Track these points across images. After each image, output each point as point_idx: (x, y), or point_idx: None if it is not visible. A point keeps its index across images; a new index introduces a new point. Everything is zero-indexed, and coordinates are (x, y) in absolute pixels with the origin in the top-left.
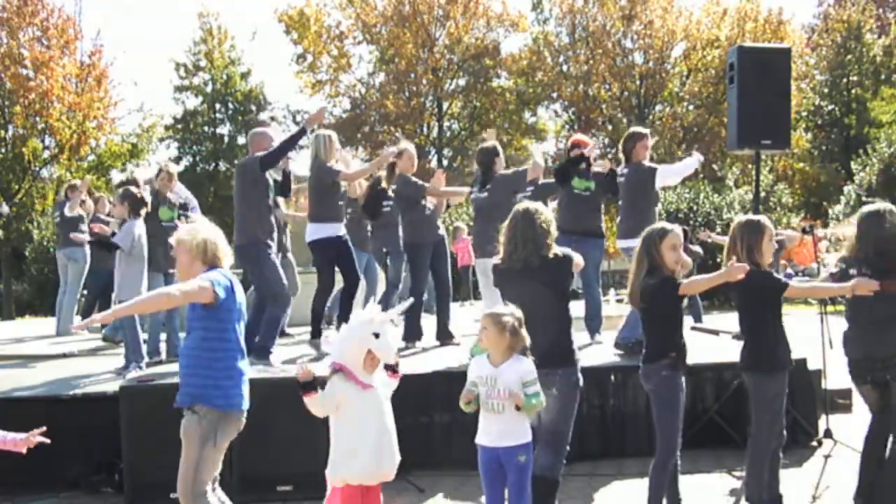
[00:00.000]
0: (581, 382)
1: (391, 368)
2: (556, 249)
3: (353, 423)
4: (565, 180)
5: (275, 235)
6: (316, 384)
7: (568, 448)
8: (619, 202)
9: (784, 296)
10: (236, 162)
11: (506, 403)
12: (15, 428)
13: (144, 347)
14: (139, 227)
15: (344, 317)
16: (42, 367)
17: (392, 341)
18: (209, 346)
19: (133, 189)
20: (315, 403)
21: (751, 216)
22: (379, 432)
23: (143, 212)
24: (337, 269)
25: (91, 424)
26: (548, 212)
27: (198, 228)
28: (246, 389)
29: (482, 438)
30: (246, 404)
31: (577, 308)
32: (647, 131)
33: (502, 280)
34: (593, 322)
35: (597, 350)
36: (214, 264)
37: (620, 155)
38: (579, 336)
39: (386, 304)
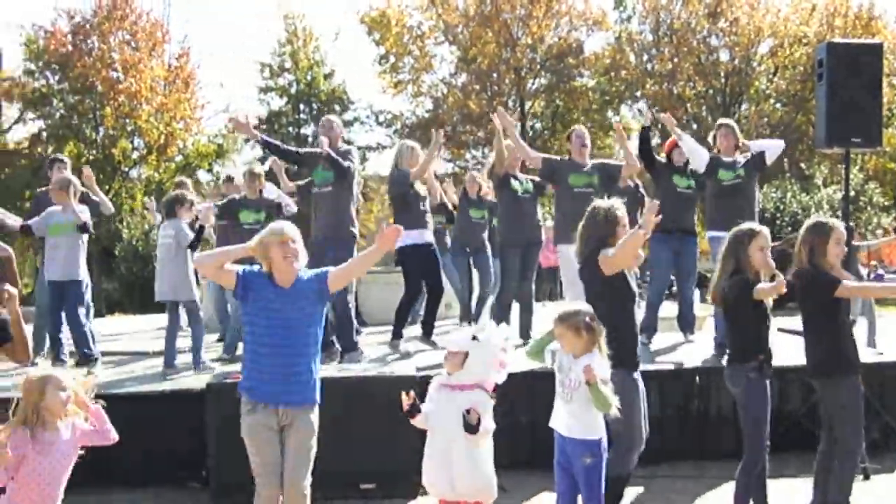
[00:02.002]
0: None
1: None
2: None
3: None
4: (652, 172)
5: None
6: (419, 406)
7: (642, 445)
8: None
9: (838, 295)
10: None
11: (574, 394)
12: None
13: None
14: (174, 227)
15: (428, 322)
16: (132, 364)
17: None
18: (317, 340)
19: (181, 191)
20: (423, 423)
21: (819, 218)
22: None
23: (180, 212)
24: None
25: (179, 420)
26: (612, 207)
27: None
28: None
29: (554, 422)
30: None
31: (670, 308)
32: (732, 122)
33: (579, 276)
34: (685, 321)
35: (686, 350)
36: None
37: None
38: (673, 336)
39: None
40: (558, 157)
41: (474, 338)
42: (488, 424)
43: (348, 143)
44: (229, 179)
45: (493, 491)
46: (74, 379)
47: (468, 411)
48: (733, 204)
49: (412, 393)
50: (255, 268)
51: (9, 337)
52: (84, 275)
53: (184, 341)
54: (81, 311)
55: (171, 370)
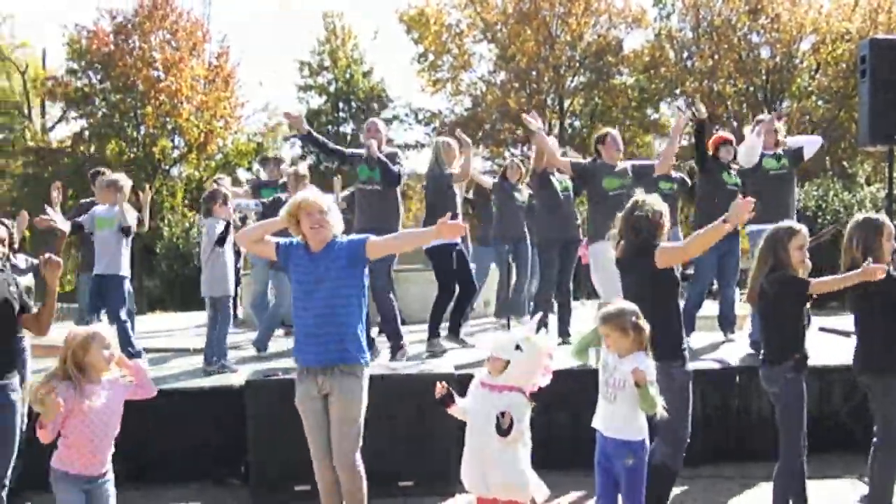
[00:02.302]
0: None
1: None
2: (664, 242)
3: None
4: (705, 168)
5: None
6: (453, 395)
7: (688, 440)
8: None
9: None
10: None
11: (618, 393)
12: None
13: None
14: (208, 224)
15: (456, 320)
16: (173, 361)
17: None
18: (357, 302)
19: (214, 188)
20: (460, 414)
21: (868, 214)
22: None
23: (214, 209)
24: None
25: (218, 417)
26: (656, 203)
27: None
28: None
29: (596, 421)
30: None
31: (710, 307)
32: (769, 118)
33: (620, 271)
34: (726, 320)
35: (726, 350)
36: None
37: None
38: (713, 335)
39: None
40: (588, 161)
41: (518, 347)
42: (522, 428)
43: (389, 141)
44: (277, 162)
45: (528, 490)
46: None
47: (502, 414)
48: (778, 194)
49: (444, 383)
50: (294, 239)
51: (28, 307)
52: (125, 270)
53: (232, 338)
54: (123, 308)
55: (211, 366)
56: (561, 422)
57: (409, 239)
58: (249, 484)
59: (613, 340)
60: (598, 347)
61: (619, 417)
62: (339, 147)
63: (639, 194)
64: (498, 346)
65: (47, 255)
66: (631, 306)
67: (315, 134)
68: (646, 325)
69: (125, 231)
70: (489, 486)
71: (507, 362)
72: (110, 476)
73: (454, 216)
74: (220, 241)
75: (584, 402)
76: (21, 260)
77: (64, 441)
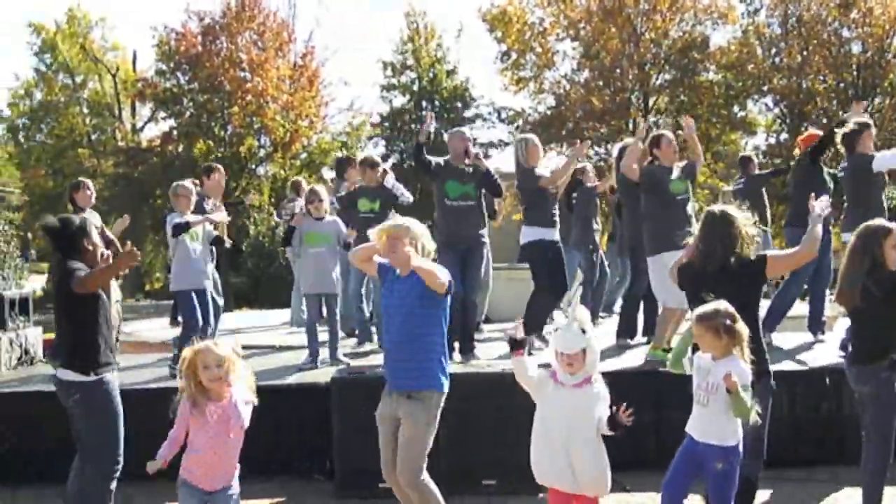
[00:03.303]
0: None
1: None
2: (751, 254)
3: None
4: (814, 161)
5: None
6: (527, 344)
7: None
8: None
9: None
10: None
11: (711, 397)
12: None
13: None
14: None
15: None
16: (259, 358)
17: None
18: (431, 332)
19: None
20: (523, 373)
21: None
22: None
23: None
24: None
25: (304, 413)
26: (744, 214)
27: (416, 223)
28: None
29: (689, 427)
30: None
31: (799, 307)
32: (870, 122)
33: (692, 281)
34: (816, 321)
35: (817, 350)
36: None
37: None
38: (803, 336)
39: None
40: (652, 166)
41: (583, 331)
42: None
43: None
44: (349, 161)
45: (609, 483)
46: (233, 350)
47: (614, 410)
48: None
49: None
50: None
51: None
52: (207, 284)
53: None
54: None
55: (311, 362)
56: (645, 421)
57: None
58: (333, 480)
59: (706, 341)
60: (691, 359)
61: (713, 422)
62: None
63: (714, 206)
64: (566, 342)
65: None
66: (726, 307)
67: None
68: (741, 329)
69: (217, 241)
70: (579, 483)
71: (584, 350)
72: (233, 492)
73: (551, 216)
74: (287, 241)
75: (667, 402)
76: None
77: (187, 451)
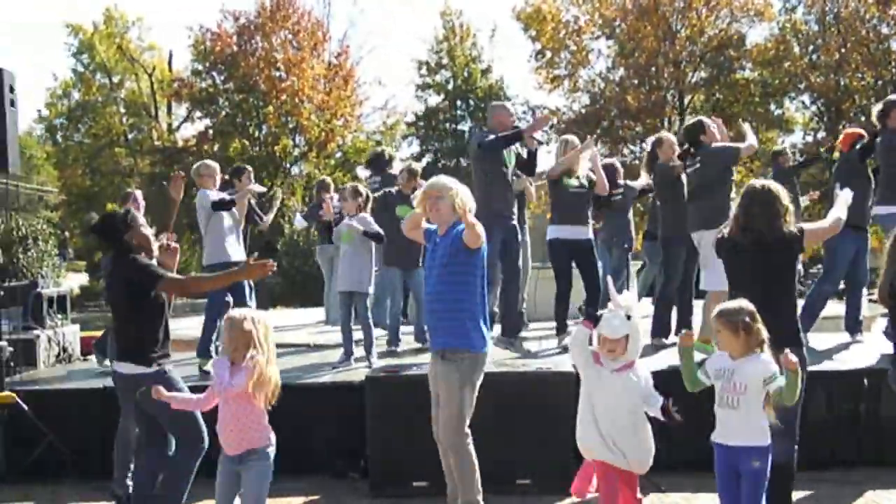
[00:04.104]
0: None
1: None
2: (791, 227)
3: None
4: (863, 161)
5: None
6: (599, 319)
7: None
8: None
9: None
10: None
11: (741, 398)
12: (269, 414)
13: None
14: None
15: (593, 313)
16: (294, 357)
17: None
18: (464, 290)
19: (360, 187)
20: (584, 336)
21: None
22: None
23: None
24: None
25: (338, 412)
26: (783, 190)
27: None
28: (486, 334)
29: (717, 436)
30: (488, 347)
31: (835, 307)
32: None
33: (729, 254)
34: (854, 322)
35: (854, 351)
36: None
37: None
38: (840, 336)
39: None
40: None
41: (628, 317)
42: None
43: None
44: (412, 173)
45: (650, 461)
46: (258, 321)
47: (667, 406)
48: None
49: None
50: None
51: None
52: (240, 258)
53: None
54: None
55: (345, 361)
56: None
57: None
58: (368, 478)
59: (724, 338)
60: (704, 370)
61: (744, 422)
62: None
63: (754, 181)
64: (611, 327)
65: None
66: (748, 307)
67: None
68: (761, 329)
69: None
70: (629, 462)
71: (628, 336)
72: (260, 458)
73: (572, 211)
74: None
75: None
76: None
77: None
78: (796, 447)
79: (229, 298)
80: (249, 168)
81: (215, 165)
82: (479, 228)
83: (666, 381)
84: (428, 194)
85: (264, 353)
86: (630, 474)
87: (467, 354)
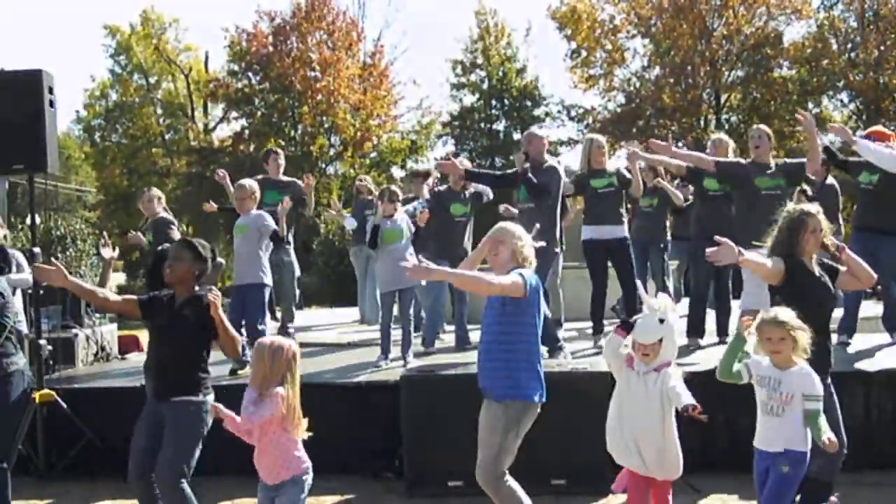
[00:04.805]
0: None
1: None
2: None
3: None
4: None
5: None
6: (632, 326)
7: (845, 451)
8: None
9: None
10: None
11: (786, 408)
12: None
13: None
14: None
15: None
16: (330, 355)
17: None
18: (515, 337)
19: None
20: (618, 343)
21: None
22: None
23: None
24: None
25: (374, 412)
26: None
27: (521, 231)
28: (542, 381)
29: (758, 441)
30: (543, 397)
31: (871, 307)
32: None
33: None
34: (891, 321)
35: (891, 351)
36: (523, 265)
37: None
38: (878, 337)
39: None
40: (736, 160)
41: (662, 321)
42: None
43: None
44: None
45: (680, 468)
46: (286, 351)
47: (688, 410)
48: None
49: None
50: None
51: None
52: (266, 278)
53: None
54: (261, 315)
55: (383, 360)
56: (719, 422)
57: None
58: (403, 478)
59: (769, 347)
60: (746, 362)
61: (786, 429)
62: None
63: (789, 205)
64: (644, 332)
65: (209, 289)
66: (793, 315)
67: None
68: (803, 339)
69: (275, 236)
70: (648, 466)
71: (661, 340)
72: (295, 483)
73: (605, 210)
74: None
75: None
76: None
77: None
78: (840, 461)
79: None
80: (278, 151)
81: (251, 184)
82: (514, 278)
83: (701, 381)
84: (493, 239)
85: (291, 384)
86: (658, 482)
87: (516, 402)
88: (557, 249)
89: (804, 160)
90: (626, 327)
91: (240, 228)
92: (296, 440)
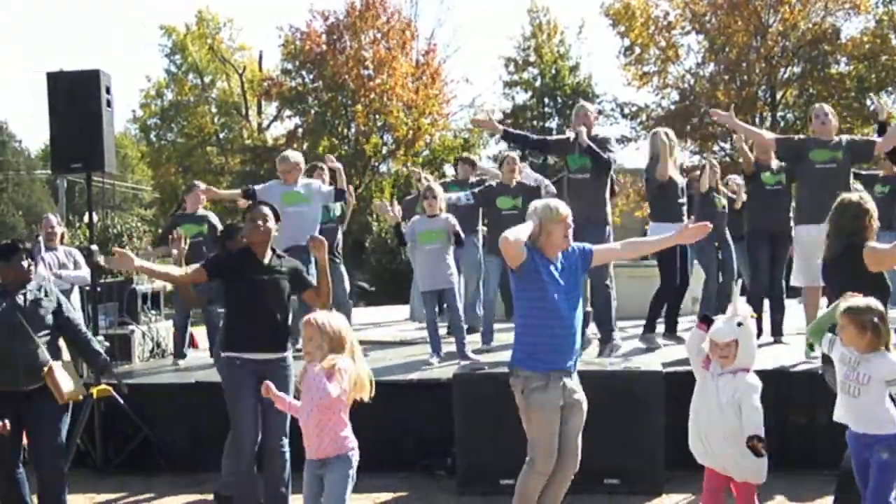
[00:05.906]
0: None
1: None
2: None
3: None
4: None
5: None
6: (712, 321)
7: None
8: None
9: None
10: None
11: (862, 388)
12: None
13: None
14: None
15: (670, 315)
16: (382, 353)
17: None
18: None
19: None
20: (699, 339)
21: None
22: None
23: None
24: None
25: (427, 409)
26: (867, 203)
27: None
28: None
29: (840, 415)
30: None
31: None
32: None
33: (824, 265)
34: None
35: None
36: None
37: None
38: None
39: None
40: (797, 136)
41: (739, 324)
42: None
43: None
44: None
45: (763, 473)
46: (332, 326)
47: (753, 441)
48: None
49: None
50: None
51: (308, 284)
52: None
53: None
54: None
55: (436, 358)
56: (801, 423)
57: (639, 247)
58: (455, 476)
59: (849, 334)
60: (831, 340)
61: (866, 411)
62: (540, 137)
63: (846, 193)
64: (719, 332)
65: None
66: (877, 305)
67: (511, 130)
68: (887, 330)
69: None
70: (741, 470)
71: (736, 341)
72: (342, 460)
73: (670, 207)
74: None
75: (819, 405)
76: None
77: None
78: None
79: None
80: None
81: (295, 155)
82: None
83: (765, 380)
84: (563, 219)
85: (350, 354)
86: (744, 483)
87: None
88: (609, 215)
89: (875, 139)
90: (707, 322)
91: (291, 196)
92: (346, 422)
